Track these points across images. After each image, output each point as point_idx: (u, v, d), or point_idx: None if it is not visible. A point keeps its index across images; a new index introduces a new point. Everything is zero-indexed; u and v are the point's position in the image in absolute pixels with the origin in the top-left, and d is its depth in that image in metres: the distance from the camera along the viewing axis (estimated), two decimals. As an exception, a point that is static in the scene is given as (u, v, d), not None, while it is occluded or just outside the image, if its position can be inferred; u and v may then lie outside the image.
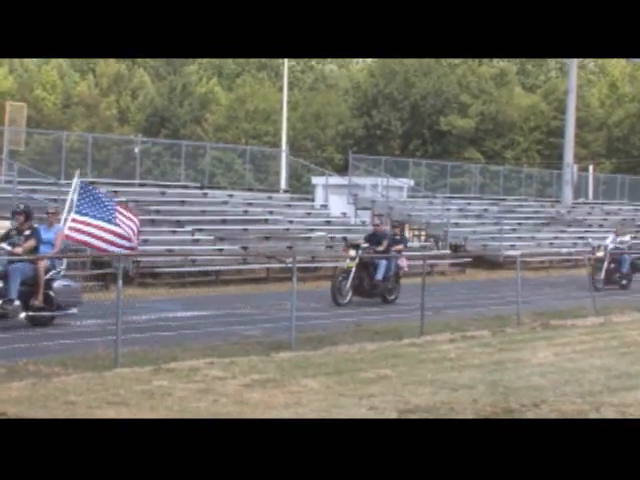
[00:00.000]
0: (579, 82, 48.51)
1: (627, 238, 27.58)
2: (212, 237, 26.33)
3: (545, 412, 9.70)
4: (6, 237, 15.18)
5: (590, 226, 40.93)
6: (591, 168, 49.51)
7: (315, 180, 38.62)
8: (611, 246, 26.63)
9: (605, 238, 28.47)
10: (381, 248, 20.58)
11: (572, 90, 43.42)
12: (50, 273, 15.20)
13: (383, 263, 20.35)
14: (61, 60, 65.55)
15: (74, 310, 15.44)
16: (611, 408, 9.98)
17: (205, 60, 67.84)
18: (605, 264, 25.73)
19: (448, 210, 35.48)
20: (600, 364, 12.92)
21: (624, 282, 26.57)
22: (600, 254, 26.01)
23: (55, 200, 23.88)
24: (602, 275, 25.58)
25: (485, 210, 38.54)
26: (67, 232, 15.81)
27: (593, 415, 9.64)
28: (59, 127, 51.41)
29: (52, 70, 66.63)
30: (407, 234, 33.02)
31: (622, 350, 14.40)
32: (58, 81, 67.11)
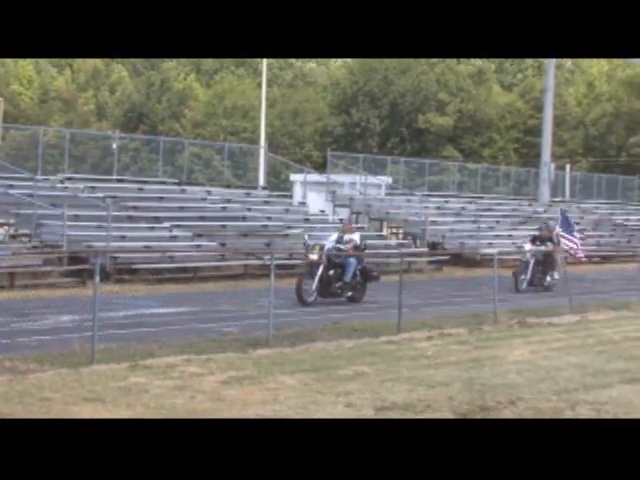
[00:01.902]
0: (556, 81, 48.74)
1: (356, 237, 20.32)
2: (190, 233, 26.28)
3: (521, 409, 9.76)
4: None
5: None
6: (568, 167, 49.77)
7: (293, 177, 38.62)
8: (329, 245, 19.92)
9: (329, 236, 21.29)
10: None
11: (550, 89, 43.61)
12: None
13: None
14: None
15: None
16: (586, 406, 10.05)
17: (184, 56, 67.67)
18: (320, 270, 19.25)
19: (426, 208, 35.57)
20: (576, 362, 13.00)
21: (350, 294, 20.00)
22: (314, 257, 19.48)
23: (31, 195, 23.79)
24: (314, 284, 19.17)
25: (463, 208, 38.66)
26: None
27: (568, 412, 9.70)
28: (36, 122, 51.14)
29: (29, 65, 66.25)
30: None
31: (598, 348, 14.49)
32: (35, 76, 66.74)
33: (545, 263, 24.82)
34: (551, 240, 24.80)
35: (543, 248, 24.76)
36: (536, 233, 26.31)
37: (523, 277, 24.33)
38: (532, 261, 24.41)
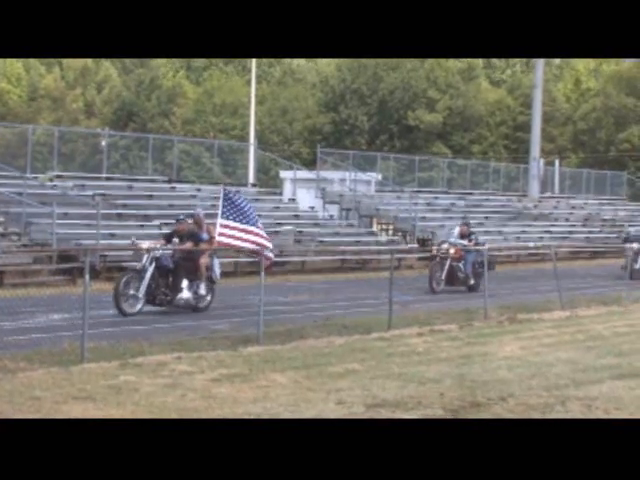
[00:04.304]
0: (545, 77, 48.83)
1: None
2: (180, 231, 26.19)
3: (512, 406, 9.77)
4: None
5: (556, 220, 41.27)
6: (557, 162, 49.88)
7: (283, 174, 38.59)
8: None
9: None
10: None
11: (538, 85, 43.69)
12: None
13: None
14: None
15: None
16: (576, 401, 10.07)
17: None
18: None
19: (416, 204, 35.60)
20: (566, 358, 13.03)
21: None
22: None
23: (20, 194, 23.72)
24: None
25: (452, 204, 38.70)
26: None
27: (559, 408, 9.72)
28: (25, 120, 51.01)
29: (17, 63, 66.03)
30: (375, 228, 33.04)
31: (588, 344, 14.52)
32: (23, 74, 66.52)
33: (179, 270, 16.80)
34: (195, 237, 17.41)
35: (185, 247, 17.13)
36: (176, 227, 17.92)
37: (132, 292, 16.23)
38: (151, 268, 16.37)
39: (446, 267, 22.19)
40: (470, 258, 22.40)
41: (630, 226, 32.15)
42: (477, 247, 22.45)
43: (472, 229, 24.17)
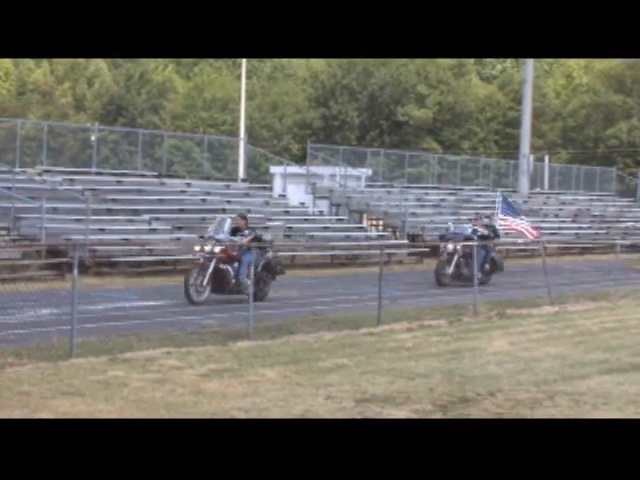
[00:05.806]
0: (535, 73, 48.86)
1: None
2: (169, 226, 26.19)
3: (500, 401, 9.78)
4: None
5: (546, 216, 41.34)
6: (547, 158, 49.94)
7: (273, 169, 38.56)
8: None
9: None
10: None
11: (528, 81, 43.71)
12: None
13: None
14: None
15: None
16: (565, 397, 10.09)
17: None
18: None
19: (406, 200, 35.61)
20: (555, 353, 13.06)
21: None
22: None
23: (9, 188, 23.63)
24: None
25: (442, 200, 38.73)
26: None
27: (547, 403, 9.74)
28: (13, 114, 50.80)
29: (7, 57, 65.81)
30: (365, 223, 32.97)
31: (576, 339, 14.56)
32: (12, 68, 66.26)
33: None
34: None
35: None
36: None
37: None
38: None
39: (209, 271, 17.46)
40: (247, 260, 17.30)
41: (453, 222, 26.55)
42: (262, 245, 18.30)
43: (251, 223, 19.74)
